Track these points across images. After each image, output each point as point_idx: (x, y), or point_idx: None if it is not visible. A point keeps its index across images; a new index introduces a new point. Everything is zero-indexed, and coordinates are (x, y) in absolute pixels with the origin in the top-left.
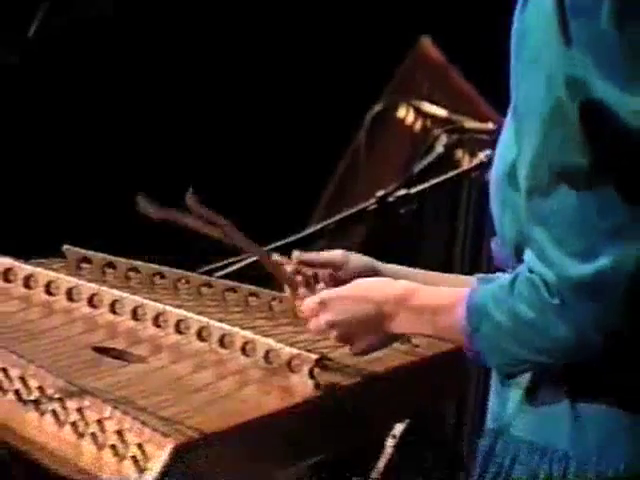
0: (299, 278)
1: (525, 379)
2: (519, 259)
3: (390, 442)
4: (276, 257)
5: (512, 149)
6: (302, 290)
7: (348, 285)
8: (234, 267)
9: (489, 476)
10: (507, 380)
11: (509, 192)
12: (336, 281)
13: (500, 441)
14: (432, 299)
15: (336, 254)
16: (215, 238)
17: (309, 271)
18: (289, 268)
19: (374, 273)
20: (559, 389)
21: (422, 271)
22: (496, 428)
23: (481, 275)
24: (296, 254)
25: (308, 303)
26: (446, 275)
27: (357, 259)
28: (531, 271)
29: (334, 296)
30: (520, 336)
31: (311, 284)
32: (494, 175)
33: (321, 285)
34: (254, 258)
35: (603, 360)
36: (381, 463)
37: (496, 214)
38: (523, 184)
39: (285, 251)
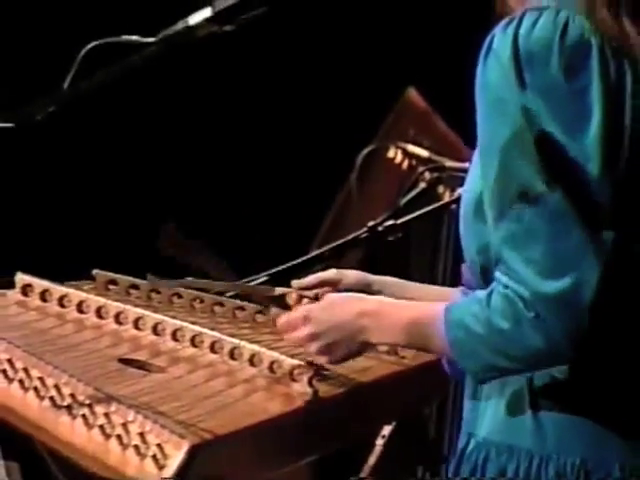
0: (305, 302)
1: (494, 392)
2: (485, 280)
3: (380, 442)
4: (279, 289)
5: (477, 184)
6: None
7: (324, 301)
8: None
9: (464, 473)
10: (480, 387)
11: (474, 223)
12: None
13: (472, 442)
14: (409, 312)
15: (330, 273)
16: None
17: (310, 294)
18: (293, 295)
19: (367, 284)
20: (522, 401)
21: (410, 282)
22: (469, 431)
23: (464, 288)
24: (295, 282)
25: (288, 318)
26: (432, 287)
27: (351, 274)
28: (506, 287)
29: (314, 310)
30: (494, 345)
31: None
32: (462, 209)
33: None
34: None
35: (563, 373)
36: (372, 460)
37: (464, 243)
38: (489, 211)
39: (288, 273)
